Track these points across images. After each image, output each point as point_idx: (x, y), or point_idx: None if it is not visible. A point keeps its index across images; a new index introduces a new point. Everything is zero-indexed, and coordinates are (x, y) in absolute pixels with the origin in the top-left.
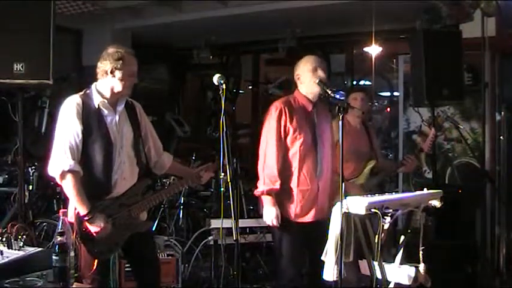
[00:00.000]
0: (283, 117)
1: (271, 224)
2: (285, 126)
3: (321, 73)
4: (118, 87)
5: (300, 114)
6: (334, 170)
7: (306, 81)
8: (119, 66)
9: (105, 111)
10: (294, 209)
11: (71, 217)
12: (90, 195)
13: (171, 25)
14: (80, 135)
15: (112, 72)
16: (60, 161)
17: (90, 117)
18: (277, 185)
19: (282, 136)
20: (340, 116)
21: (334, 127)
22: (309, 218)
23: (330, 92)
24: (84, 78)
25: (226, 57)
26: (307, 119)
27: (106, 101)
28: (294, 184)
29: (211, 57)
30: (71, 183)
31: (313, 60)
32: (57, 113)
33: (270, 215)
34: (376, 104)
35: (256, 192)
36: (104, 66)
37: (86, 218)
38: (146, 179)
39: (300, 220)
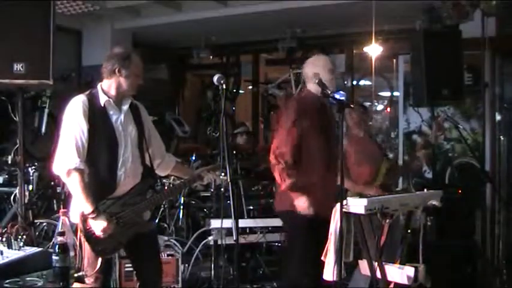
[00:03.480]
0: (307, 115)
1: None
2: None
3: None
4: (124, 85)
5: (321, 110)
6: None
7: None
8: (125, 64)
9: (111, 110)
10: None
11: (74, 217)
12: (95, 192)
13: (171, 25)
14: (86, 134)
15: (119, 71)
16: (65, 159)
17: (95, 116)
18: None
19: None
20: (340, 115)
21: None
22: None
23: (329, 92)
24: (84, 78)
25: (226, 57)
26: (326, 114)
27: (111, 100)
28: (318, 179)
29: (211, 57)
30: (76, 180)
31: (330, 62)
32: (57, 113)
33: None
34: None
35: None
36: (110, 65)
37: (91, 216)
38: (150, 179)
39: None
